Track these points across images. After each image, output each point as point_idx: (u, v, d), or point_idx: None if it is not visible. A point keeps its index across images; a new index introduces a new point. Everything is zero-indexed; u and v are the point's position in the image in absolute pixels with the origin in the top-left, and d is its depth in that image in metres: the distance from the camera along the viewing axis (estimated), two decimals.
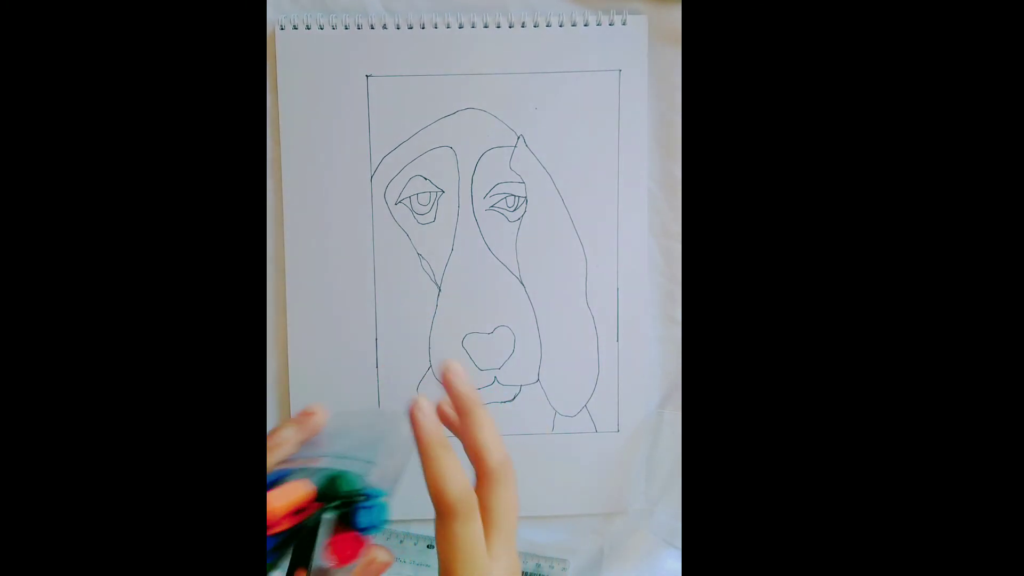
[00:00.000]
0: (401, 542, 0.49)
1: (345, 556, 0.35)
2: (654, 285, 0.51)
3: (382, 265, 0.49)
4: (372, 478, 0.37)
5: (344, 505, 0.35)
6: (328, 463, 0.37)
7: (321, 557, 0.35)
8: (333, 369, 0.50)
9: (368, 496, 0.36)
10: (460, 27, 0.48)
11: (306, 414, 0.41)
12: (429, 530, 0.50)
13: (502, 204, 0.49)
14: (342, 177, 0.49)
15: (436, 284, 0.50)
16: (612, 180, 0.49)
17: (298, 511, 0.35)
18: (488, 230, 0.49)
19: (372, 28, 0.48)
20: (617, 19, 0.48)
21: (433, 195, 0.49)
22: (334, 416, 0.42)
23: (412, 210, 0.49)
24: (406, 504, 0.50)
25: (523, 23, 0.48)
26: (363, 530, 0.36)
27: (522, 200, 0.49)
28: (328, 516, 0.35)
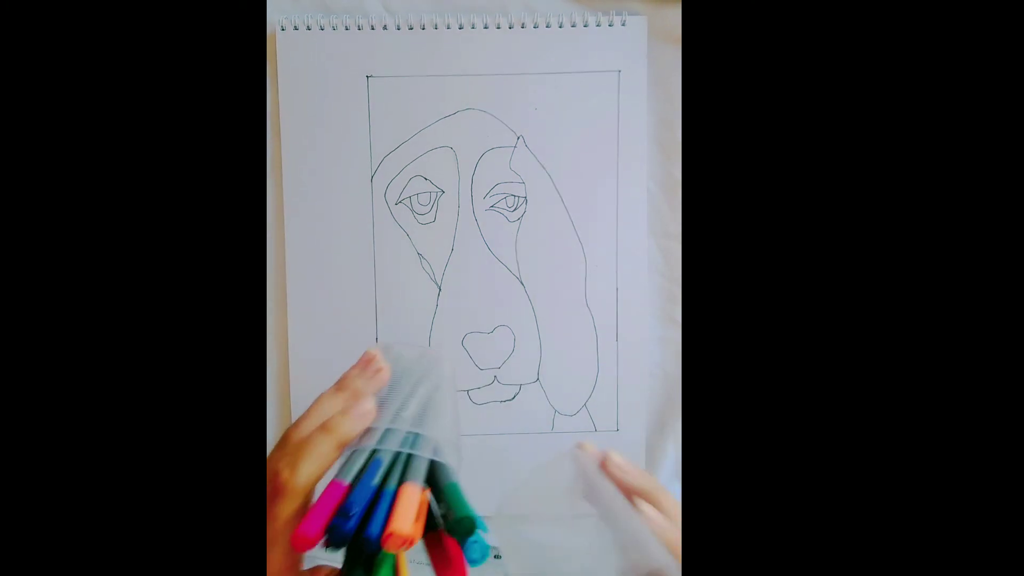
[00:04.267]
0: None
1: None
2: (654, 285, 0.51)
3: (382, 265, 0.50)
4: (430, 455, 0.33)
5: (455, 530, 0.32)
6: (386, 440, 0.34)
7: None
8: (333, 368, 0.50)
9: (475, 524, 0.32)
10: (460, 27, 0.48)
11: (369, 359, 0.37)
12: None
13: (502, 204, 0.49)
14: (342, 177, 0.49)
15: (436, 284, 0.50)
16: (612, 180, 0.49)
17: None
18: (488, 230, 0.49)
19: (372, 29, 0.48)
20: (617, 19, 0.48)
21: (433, 195, 0.49)
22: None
23: (412, 210, 0.49)
24: None
25: (523, 23, 0.48)
26: (472, 562, 0.32)
27: (522, 200, 0.49)
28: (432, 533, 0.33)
